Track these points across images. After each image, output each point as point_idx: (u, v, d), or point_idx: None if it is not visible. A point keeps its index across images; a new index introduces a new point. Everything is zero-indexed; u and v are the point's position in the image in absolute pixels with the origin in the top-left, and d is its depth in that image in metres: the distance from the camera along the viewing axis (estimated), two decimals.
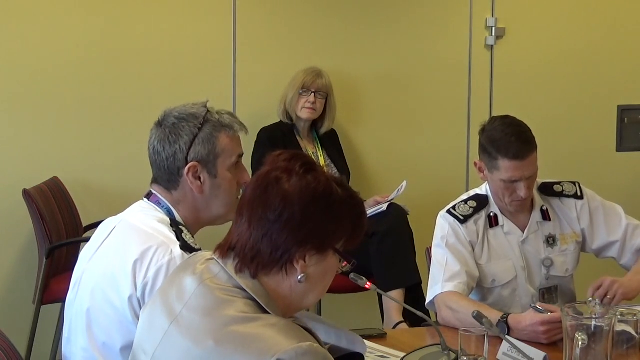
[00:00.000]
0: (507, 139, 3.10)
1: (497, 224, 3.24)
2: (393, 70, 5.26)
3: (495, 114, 5.11)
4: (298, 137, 4.91)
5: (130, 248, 2.35)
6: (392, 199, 4.71)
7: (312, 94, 4.86)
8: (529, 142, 3.12)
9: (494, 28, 5.35)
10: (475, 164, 3.26)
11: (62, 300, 4.38)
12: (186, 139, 2.43)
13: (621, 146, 5.63)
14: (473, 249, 3.19)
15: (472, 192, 3.33)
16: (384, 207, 4.64)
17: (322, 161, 4.88)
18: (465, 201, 3.26)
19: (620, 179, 5.58)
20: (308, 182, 1.90)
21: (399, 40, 5.24)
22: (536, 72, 5.46)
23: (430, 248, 3.33)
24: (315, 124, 4.98)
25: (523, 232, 3.25)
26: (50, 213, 4.38)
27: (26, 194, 4.35)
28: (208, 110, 2.46)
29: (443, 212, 3.25)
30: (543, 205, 3.27)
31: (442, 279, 3.10)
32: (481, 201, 3.25)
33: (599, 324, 2.33)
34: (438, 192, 5.10)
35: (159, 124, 2.48)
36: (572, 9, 5.50)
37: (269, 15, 5.08)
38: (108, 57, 4.81)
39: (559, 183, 3.33)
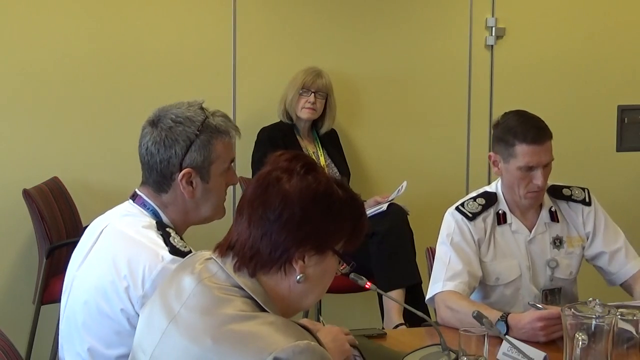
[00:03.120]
0: (524, 125, 3.13)
1: (505, 221, 3.23)
2: (393, 70, 5.25)
3: (495, 114, 5.11)
4: (298, 137, 4.90)
5: (119, 259, 2.32)
6: (392, 199, 4.71)
7: (312, 94, 4.86)
8: (544, 129, 3.16)
9: (494, 28, 5.35)
10: (490, 157, 3.24)
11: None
12: (182, 144, 2.38)
13: (621, 146, 5.62)
14: (479, 247, 3.18)
15: (481, 190, 3.32)
16: (384, 207, 4.63)
17: (322, 161, 4.88)
18: (474, 198, 3.26)
19: (620, 179, 5.58)
20: (308, 183, 1.90)
21: (399, 40, 5.24)
22: (536, 72, 5.46)
23: (431, 248, 3.32)
24: (315, 124, 4.97)
25: (530, 232, 3.25)
26: (50, 213, 4.38)
27: (26, 194, 4.35)
28: (207, 116, 2.41)
29: (451, 209, 3.24)
30: (552, 206, 3.27)
31: (443, 277, 3.09)
32: (490, 198, 3.25)
33: (599, 324, 2.32)
34: (438, 192, 5.10)
35: (154, 124, 2.43)
36: (572, 9, 5.50)
37: (269, 15, 5.07)
38: (108, 58, 4.81)
39: (568, 187, 3.33)
